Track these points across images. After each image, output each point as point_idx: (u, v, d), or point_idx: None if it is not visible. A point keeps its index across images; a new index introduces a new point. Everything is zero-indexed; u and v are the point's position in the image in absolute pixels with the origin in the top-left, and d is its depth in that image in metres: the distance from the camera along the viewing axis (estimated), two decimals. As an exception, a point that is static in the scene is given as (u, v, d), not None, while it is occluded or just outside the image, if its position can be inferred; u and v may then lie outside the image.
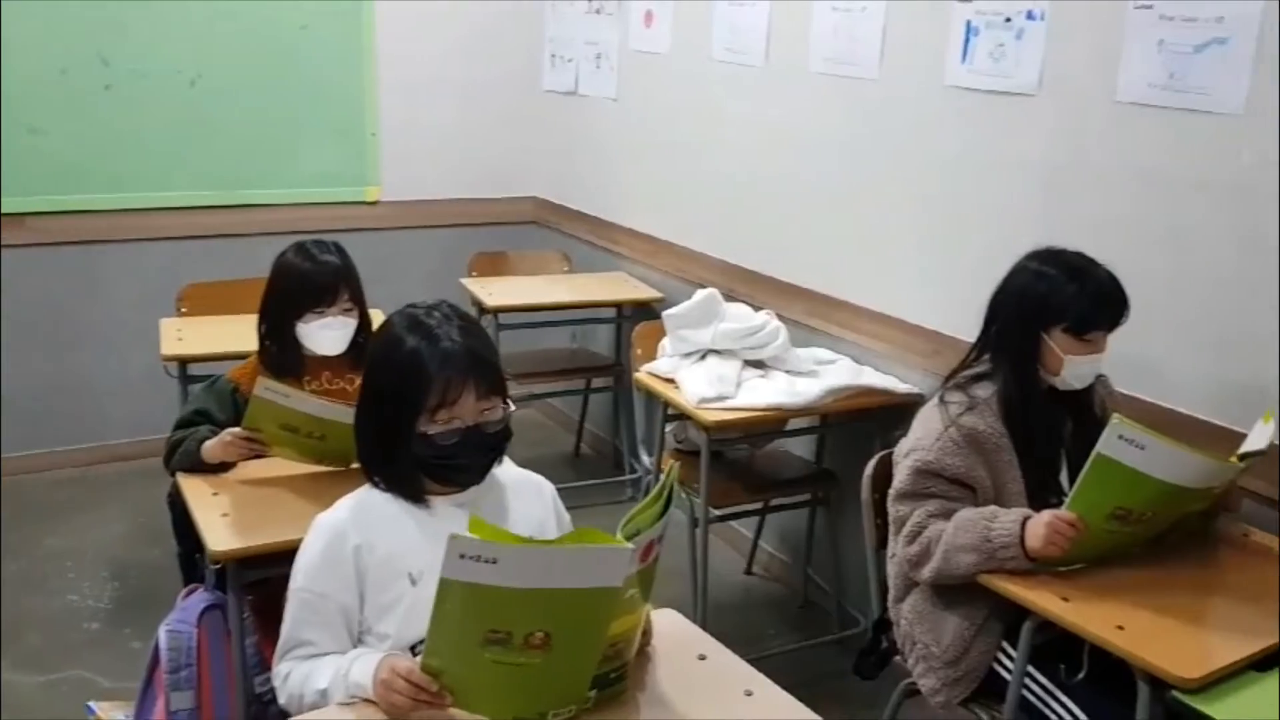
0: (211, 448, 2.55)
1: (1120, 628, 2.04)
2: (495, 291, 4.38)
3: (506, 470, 2.00)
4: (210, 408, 2.68)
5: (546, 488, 2.07)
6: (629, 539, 1.52)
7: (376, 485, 1.91)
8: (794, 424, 3.56)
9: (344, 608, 1.83)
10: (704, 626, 2.00)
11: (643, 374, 3.51)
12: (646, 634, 1.81)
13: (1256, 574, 2.30)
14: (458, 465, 1.85)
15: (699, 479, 3.29)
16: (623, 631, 1.61)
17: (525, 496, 2.01)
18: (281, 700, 1.84)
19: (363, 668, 1.69)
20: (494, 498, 1.95)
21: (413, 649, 1.80)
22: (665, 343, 3.55)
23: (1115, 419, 2.08)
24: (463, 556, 1.44)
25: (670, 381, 3.38)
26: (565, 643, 1.53)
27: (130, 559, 4.00)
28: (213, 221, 4.77)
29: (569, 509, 2.10)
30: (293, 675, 1.81)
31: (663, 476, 1.66)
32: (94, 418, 4.74)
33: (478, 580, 1.45)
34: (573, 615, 1.52)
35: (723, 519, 3.66)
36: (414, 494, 1.88)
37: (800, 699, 1.75)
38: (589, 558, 1.50)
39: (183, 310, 3.88)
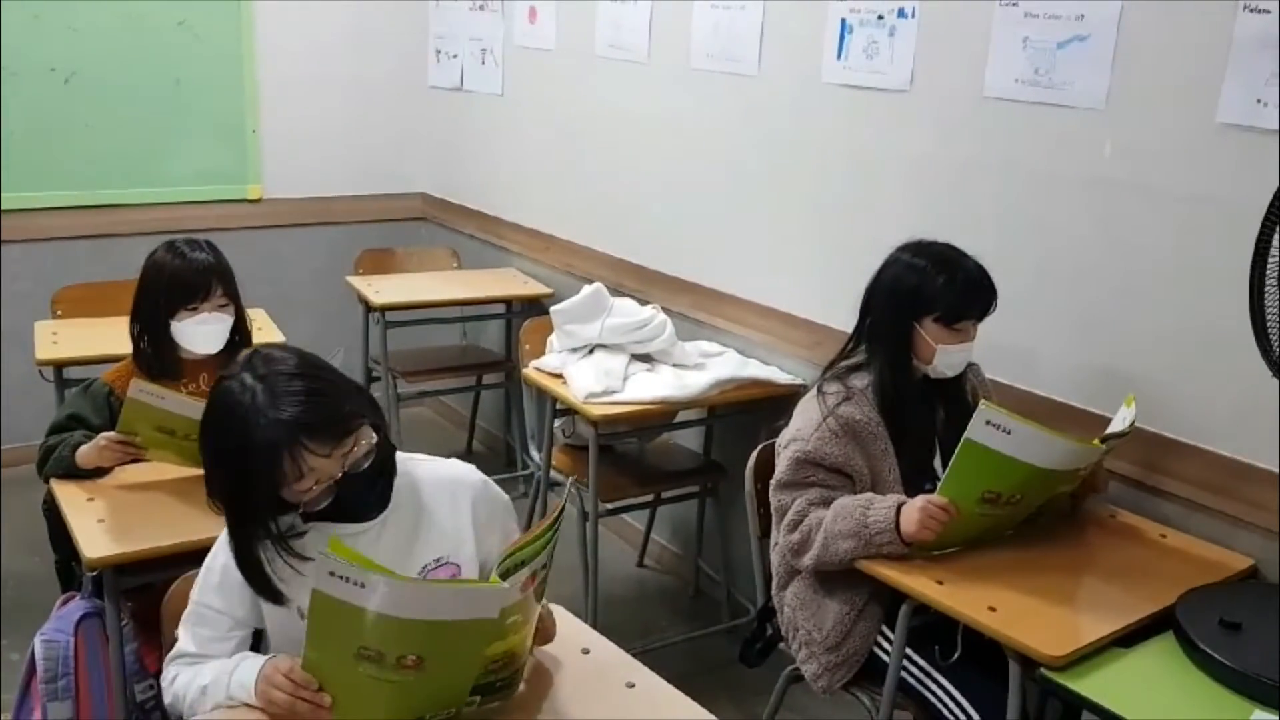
0: (86, 453, 2.50)
1: (992, 609, 2.10)
2: (383, 289, 4.34)
3: (426, 471, 1.91)
4: (84, 412, 2.62)
5: (467, 485, 1.93)
6: (506, 575, 1.49)
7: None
8: (682, 416, 3.60)
9: (239, 620, 1.81)
10: (595, 620, 2.02)
11: (531, 370, 3.51)
12: (547, 630, 1.82)
13: (1121, 553, 2.39)
14: (352, 507, 1.74)
15: (588, 473, 3.30)
16: (505, 650, 1.60)
17: (441, 506, 1.89)
18: (166, 701, 1.81)
19: (247, 670, 1.68)
20: (405, 519, 1.84)
21: None
22: (553, 338, 3.56)
23: (983, 405, 2.14)
24: (332, 574, 1.42)
25: (558, 377, 3.39)
26: (438, 666, 1.52)
27: (6, 569, 3.88)
28: (90, 222, 4.65)
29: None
30: (180, 677, 1.78)
31: (550, 514, 1.62)
32: (-33, 425, 4.59)
33: (349, 600, 1.44)
34: (446, 642, 1.51)
35: (614, 512, 3.68)
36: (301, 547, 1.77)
37: (690, 689, 1.77)
38: (462, 596, 1.50)
39: (58, 313, 3.78)
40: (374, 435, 1.73)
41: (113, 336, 3.02)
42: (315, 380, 1.71)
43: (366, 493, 1.75)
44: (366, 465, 1.71)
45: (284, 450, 1.63)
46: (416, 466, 1.90)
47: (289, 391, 1.66)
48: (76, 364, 3.37)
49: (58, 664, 2.28)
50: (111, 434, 2.49)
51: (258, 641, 1.87)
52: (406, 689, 1.53)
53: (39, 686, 2.28)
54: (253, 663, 1.69)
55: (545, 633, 1.82)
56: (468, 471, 1.97)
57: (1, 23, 4.35)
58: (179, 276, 2.67)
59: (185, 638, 1.82)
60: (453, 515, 1.89)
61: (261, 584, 1.75)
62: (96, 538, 2.29)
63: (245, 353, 1.79)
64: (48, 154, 4.55)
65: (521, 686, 1.74)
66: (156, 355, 2.68)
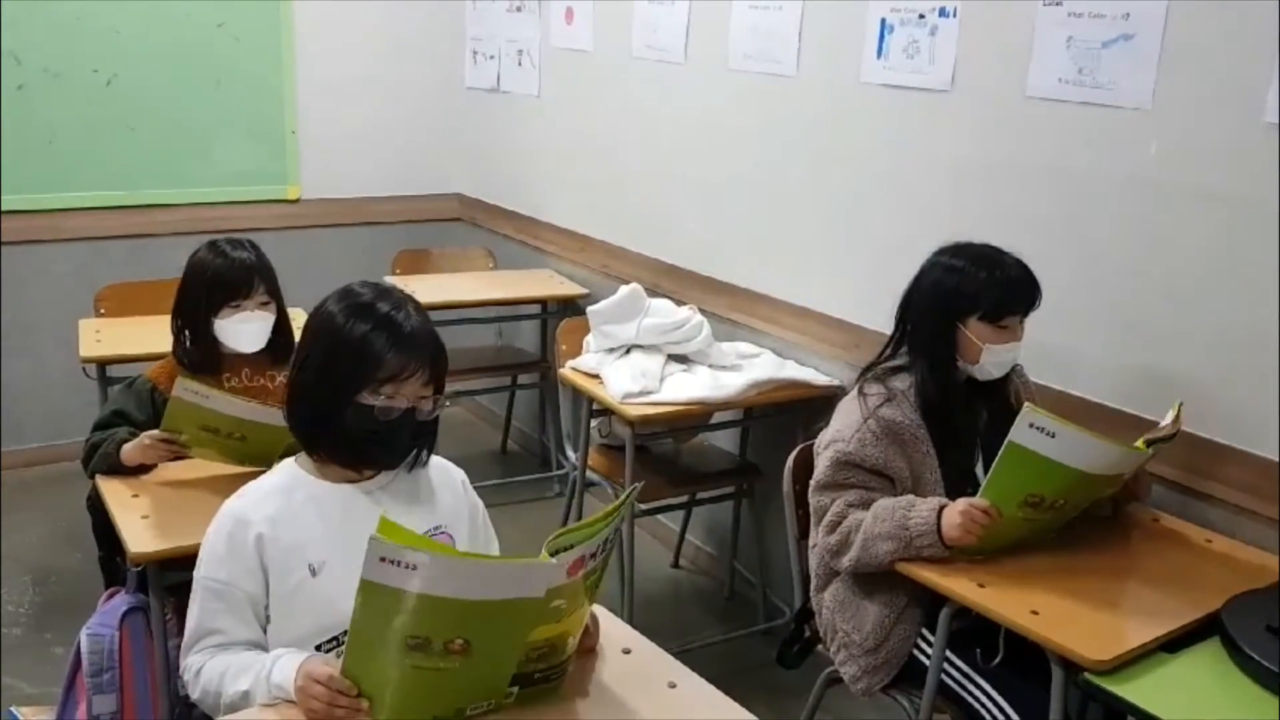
0: (130, 450, 2.52)
1: (1035, 612, 2.08)
2: (419, 289, 4.27)
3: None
4: (128, 408, 2.65)
5: (456, 473, 2.06)
6: (554, 554, 1.51)
7: (313, 455, 1.89)
8: (718, 417, 3.59)
9: (250, 595, 1.81)
10: (631, 620, 2.02)
11: (567, 370, 3.52)
12: (591, 637, 1.82)
13: (1165, 558, 2.37)
14: (386, 443, 1.84)
15: (624, 473, 3.30)
16: (549, 637, 1.60)
17: (438, 483, 2.00)
18: (194, 695, 1.82)
19: (283, 669, 1.68)
20: (407, 483, 1.95)
21: (318, 647, 1.80)
22: (590, 339, 3.56)
23: (1027, 408, 2.12)
24: (384, 560, 1.42)
25: (595, 377, 3.39)
26: (484, 649, 1.53)
27: (51, 564, 3.93)
28: (132, 222, 4.70)
29: (496, 505, 2.10)
30: (206, 669, 1.79)
31: (620, 498, 1.65)
32: (11, 422, 4.64)
33: (398, 585, 1.44)
34: (493, 624, 1.51)
35: (649, 513, 3.68)
36: (347, 462, 1.87)
37: (726, 690, 1.76)
38: (511, 571, 1.50)
39: (102, 311, 3.83)
40: (443, 403, 1.89)
41: (155, 334, 3.05)
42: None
43: (406, 440, 1.87)
44: (424, 419, 1.85)
45: (410, 349, 1.80)
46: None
47: (427, 319, 1.89)
48: (120, 361, 3.40)
49: (103, 658, 2.30)
50: (156, 432, 2.51)
51: None
52: (451, 677, 1.53)
53: (84, 680, 2.30)
54: (286, 664, 1.68)
55: (589, 641, 1.82)
56: (453, 465, 2.08)
57: (47, 25, 4.39)
58: (222, 275, 2.69)
59: (196, 617, 1.82)
60: (449, 493, 2.01)
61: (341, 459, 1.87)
62: (140, 533, 2.31)
63: None
64: (91, 155, 4.60)
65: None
66: (199, 352, 2.71)
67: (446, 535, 1.95)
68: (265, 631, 1.83)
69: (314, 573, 1.81)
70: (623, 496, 1.65)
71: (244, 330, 2.70)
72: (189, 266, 2.76)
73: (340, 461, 1.88)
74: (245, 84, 4.86)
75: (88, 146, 4.58)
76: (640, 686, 1.78)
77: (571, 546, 1.53)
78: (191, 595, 1.84)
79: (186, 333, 2.73)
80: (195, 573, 1.84)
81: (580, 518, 3.64)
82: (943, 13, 2.96)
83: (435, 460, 2.04)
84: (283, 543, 1.82)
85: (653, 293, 3.69)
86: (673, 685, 1.78)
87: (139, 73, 4.61)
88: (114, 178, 4.66)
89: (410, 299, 1.89)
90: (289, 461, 1.93)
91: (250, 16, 4.80)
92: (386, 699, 1.57)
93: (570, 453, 3.76)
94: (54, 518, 4.21)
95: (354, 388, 1.79)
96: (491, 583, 1.48)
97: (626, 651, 1.87)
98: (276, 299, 2.76)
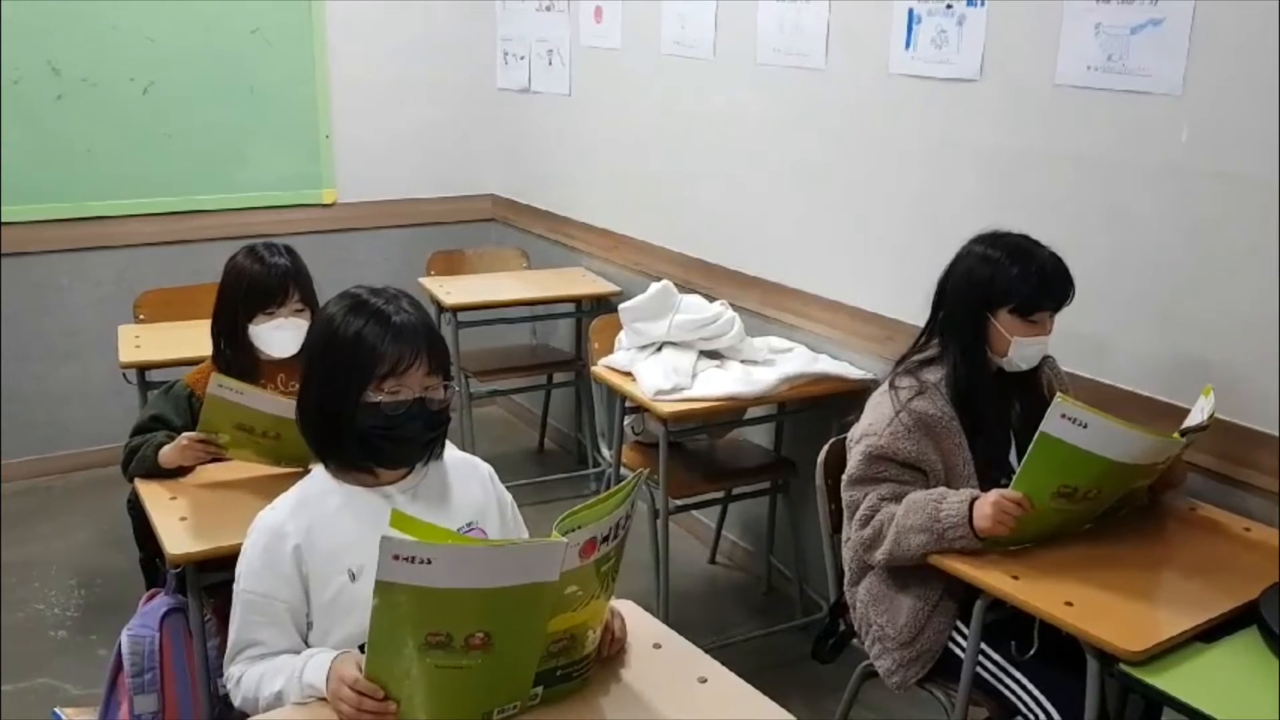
0: (168, 453, 2.56)
1: (1069, 604, 2.07)
2: (454, 290, 4.39)
3: (446, 452, 2.01)
4: (166, 413, 2.69)
5: (483, 467, 2.07)
6: (565, 533, 1.52)
7: (327, 466, 1.91)
8: (751, 413, 3.59)
9: (290, 606, 1.83)
10: (667, 616, 2.02)
11: (600, 368, 3.53)
12: (617, 638, 1.82)
13: (1202, 547, 2.35)
14: (401, 438, 1.85)
15: (658, 470, 3.31)
16: (567, 628, 1.61)
17: (465, 478, 2.01)
18: (236, 703, 1.84)
19: (316, 668, 1.69)
20: (435, 482, 1.96)
21: (362, 647, 1.81)
22: (622, 336, 3.57)
23: (1058, 398, 2.11)
24: (397, 558, 1.43)
25: (627, 375, 3.40)
26: (505, 642, 1.53)
27: (95, 566, 3.99)
28: (169, 228, 4.76)
29: (534, 504, 2.12)
30: (245, 677, 1.81)
31: (627, 478, 1.66)
32: (53, 427, 4.71)
33: (414, 582, 1.44)
34: (510, 613, 1.52)
35: (684, 509, 3.68)
36: (360, 469, 1.89)
37: (762, 685, 1.76)
38: (522, 554, 1.51)
39: (141, 317, 3.88)
40: (452, 388, 1.91)
41: (193, 339, 3.09)
42: (434, 324, 1.94)
43: (422, 431, 1.87)
44: (436, 408, 1.86)
45: (404, 342, 1.81)
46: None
47: (420, 311, 1.89)
48: (158, 366, 3.45)
49: (143, 658, 2.33)
50: (193, 434, 2.55)
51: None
52: (475, 674, 1.54)
53: (126, 680, 2.33)
54: (318, 663, 1.70)
55: (615, 645, 1.81)
56: (479, 460, 2.10)
57: (84, 36, 4.46)
58: (257, 281, 2.72)
59: (237, 629, 1.84)
60: (478, 488, 2.02)
61: (358, 466, 1.89)
62: (179, 535, 2.34)
63: None
64: (128, 162, 4.66)
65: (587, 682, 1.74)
66: (235, 358, 2.74)
67: (480, 531, 1.96)
68: (306, 640, 1.85)
69: (354, 578, 1.83)
70: (631, 478, 1.65)
71: (277, 336, 2.72)
72: (226, 272, 2.79)
73: (358, 467, 1.89)
74: (279, 89, 4.91)
75: (125, 154, 4.64)
76: (669, 681, 1.78)
77: (580, 526, 1.53)
78: (233, 607, 1.86)
79: (224, 339, 2.77)
80: (235, 585, 1.87)
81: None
82: (970, 2, 2.94)
83: (462, 456, 2.05)
84: (320, 550, 1.84)
85: (684, 289, 3.69)
86: (703, 680, 1.78)
87: (175, 80, 4.67)
88: (151, 185, 4.72)
89: (402, 295, 1.91)
90: (319, 470, 1.94)
91: (283, 22, 4.85)
92: (415, 701, 1.58)
93: (605, 450, 3.77)
94: (98, 521, 4.27)
95: (358, 386, 1.81)
96: (506, 568, 1.49)
97: (656, 646, 1.87)
98: (311, 305, 2.78)
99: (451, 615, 1.49)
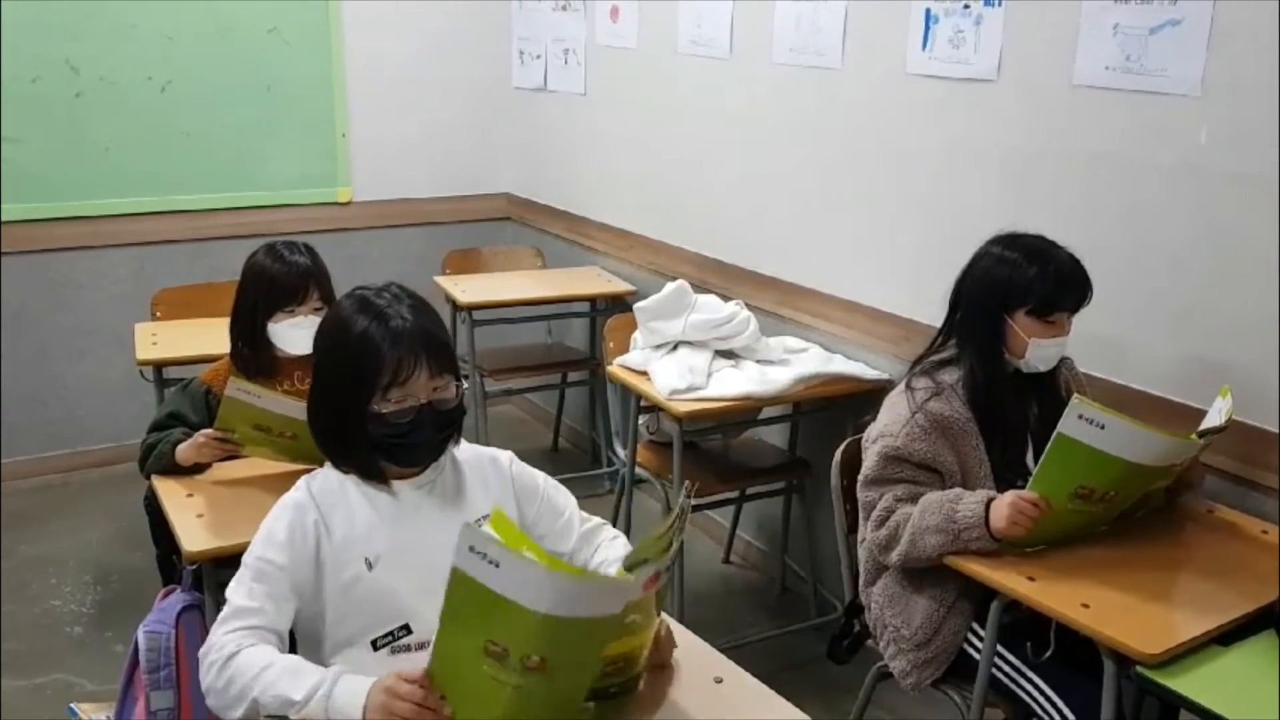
0: (185, 450, 2.57)
1: (1085, 605, 2.06)
2: (469, 289, 4.39)
3: (463, 449, 2.00)
4: (183, 410, 2.70)
5: (502, 458, 2.04)
6: (632, 569, 1.50)
7: (340, 469, 1.90)
8: (766, 412, 3.59)
9: (296, 585, 1.80)
10: (682, 616, 2.02)
11: (615, 367, 3.53)
12: (664, 646, 1.80)
13: (1219, 550, 2.34)
14: (411, 444, 1.84)
15: (673, 470, 3.31)
16: (623, 652, 1.59)
17: (482, 475, 2.00)
18: (209, 677, 1.71)
19: (348, 691, 1.60)
20: (452, 479, 1.96)
21: (374, 641, 1.81)
22: (637, 335, 3.57)
23: (1075, 399, 2.10)
24: (472, 550, 1.41)
25: (642, 374, 3.40)
26: (562, 669, 1.50)
27: (111, 563, 4.01)
28: (186, 226, 4.78)
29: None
30: (241, 658, 1.69)
31: (677, 506, 1.64)
32: (70, 424, 4.74)
33: (482, 580, 1.42)
34: (570, 642, 1.49)
35: (698, 509, 3.68)
36: (372, 474, 1.88)
37: (777, 685, 1.76)
38: (592, 589, 1.49)
39: (157, 315, 3.89)
40: (462, 385, 1.88)
41: (210, 337, 3.10)
42: (438, 320, 1.90)
43: (432, 434, 1.86)
44: (446, 409, 1.85)
45: (403, 350, 1.79)
46: (460, 445, 2.00)
47: (421, 311, 1.86)
48: (175, 364, 3.47)
49: (160, 654, 2.34)
50: (209, 431, 2.56)
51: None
52: (527, 695, 1.50)
53: (142, 676, 2.34)
54: (352, 685, 1.61)
55: (661, 656, 1.80)
56: (500, 450, 2.08)
57: (103, 35, 4.47)
58: (277, 280, 2.73)
59: (239, 592, 1.77)
60: (497, 481, 2.00)
61: (370, 470, 1.88)
62: (195, 532, 2.35)
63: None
64: (146, 160, 4.68)
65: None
66: (253, 355, 2.75)
67: None
68: (317, 631, 1.84)
69: (370, 566, 1.83)
70: (680, 501, 1.63)
71: (295, 334, 2.73)
72: (246, 270, 2.81)
73: (361, 474, 1.88)
74: (296, 88, 4.92)
75: (143, 153, 4.66)
76: (685, 681, 1.78)
77: (647, 561, 1.52)
78: (238, 575, 1.81)
79: (243, 337, 2.78)
80: (246, 555, 1.82)
81: (629, 514, 3.67)
82: (988, 2, 2.93)
83: (480, 451, 2.04)
84: (338, 536, 1.84)
85: (699, 288, 3.69)
86: (719, 680, 1.79)
87: (192, 79, 4.69)
88: (168, 183, 4.74)
89: (405, 295, 1.88)
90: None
91: (300, 21, 4.86)
92: (464, 707, 1.55)
93: (619, 449, 3.77)
94: (115, 518, 4.29)
95: (364, 398, 1.80)
96: (572, 600, 1.45)
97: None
98: (330, 303, 2.78)
99: (514, 631, 1.45)
